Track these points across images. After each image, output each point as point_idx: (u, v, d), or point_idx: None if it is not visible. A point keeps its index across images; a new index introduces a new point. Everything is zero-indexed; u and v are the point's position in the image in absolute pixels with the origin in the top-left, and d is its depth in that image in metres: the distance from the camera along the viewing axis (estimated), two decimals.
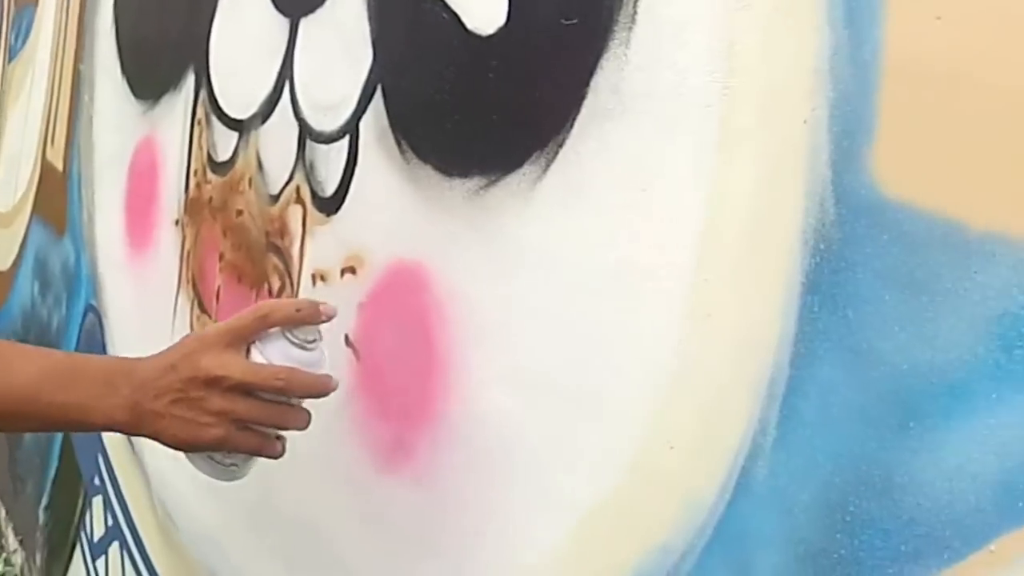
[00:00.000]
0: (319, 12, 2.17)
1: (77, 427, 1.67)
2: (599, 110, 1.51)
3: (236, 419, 1.58)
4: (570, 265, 1.54)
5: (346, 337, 2.00)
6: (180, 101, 2.91)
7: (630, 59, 1.46)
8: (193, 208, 2.75)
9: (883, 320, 1.16)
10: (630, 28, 1.46)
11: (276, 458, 1.67)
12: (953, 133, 1.12)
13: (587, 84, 1.52)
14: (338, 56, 2.09)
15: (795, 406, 1.25)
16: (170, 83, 2.98)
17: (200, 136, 2.73)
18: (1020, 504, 1.03)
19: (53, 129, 4.25)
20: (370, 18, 1.99)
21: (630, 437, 1.45)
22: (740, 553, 1.30)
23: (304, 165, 2.18)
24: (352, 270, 2.01)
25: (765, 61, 1.31)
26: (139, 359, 1.65)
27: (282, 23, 2.29)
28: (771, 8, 1.30)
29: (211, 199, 2.63)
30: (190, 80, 2.85)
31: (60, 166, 4.09)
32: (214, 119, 2.65)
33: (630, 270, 1.45)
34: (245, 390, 1.58)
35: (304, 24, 2.22)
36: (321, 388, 1.66)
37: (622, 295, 1.46)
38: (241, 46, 2.54)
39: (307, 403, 1.69)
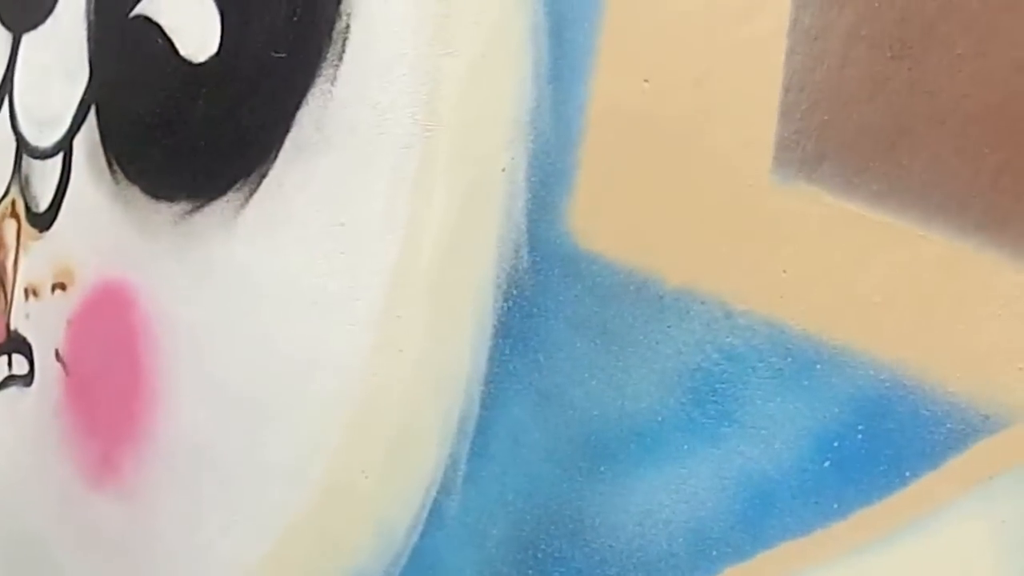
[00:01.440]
0: (41, 28, 2.04)
1: None
2: (303, 143, 1.42)
3: None
4: (269, 291, 1.47)
5: (56, 352, 1.87)
6: None
7: (335, 95, 1.38)
8: None
9: (574, 366, 1.11)
10: (337, 65, 1.38)
11: None
12: (652, 191, 1.07)
13: (292, 117, 1.43)
14: (56, 73, 1.96)
15: (486, 444, 1.19)
16: None
17: None
18: (712, 552, 1.00)
19: None
20: (89, 38, 1.87)
21: (323, 460, 1.39)
22: None
23: (20, 179, 2.04)
24: (63, 286, 1.89)
25: (466, 107, 1.23)
26: None
27: (5, 37, 2.15)
28: (476, 56, 1.23)
29: None
30: None
31: None
32: None
33: (325, 299, 1.39)
34: None
35: (26, 39, 2.09)
36: None
37: (317, 323, 1.39)
38: None
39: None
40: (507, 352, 1.17)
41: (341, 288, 1.36)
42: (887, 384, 0.95)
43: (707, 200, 1.03)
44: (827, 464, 0.98)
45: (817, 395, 0.98)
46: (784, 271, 0.99)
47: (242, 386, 1.51)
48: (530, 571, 1.14)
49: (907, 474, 0.94)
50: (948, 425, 0.92)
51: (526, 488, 1.15)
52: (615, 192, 1.10)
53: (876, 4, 0.96)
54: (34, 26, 2.06)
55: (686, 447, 1.03)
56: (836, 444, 0.98)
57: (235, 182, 1.52)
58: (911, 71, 0.95)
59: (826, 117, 0.98)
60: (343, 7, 1.38)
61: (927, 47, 0.94)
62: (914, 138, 0.94)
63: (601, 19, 1.13)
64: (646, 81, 1.08)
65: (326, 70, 1.39)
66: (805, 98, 0.99)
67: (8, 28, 2.15)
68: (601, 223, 1.11)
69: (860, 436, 0.97)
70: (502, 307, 1.18)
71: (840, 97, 0.97)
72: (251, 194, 1.49)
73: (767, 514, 0.99)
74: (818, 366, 0.98)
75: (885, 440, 0.95)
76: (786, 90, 1.00)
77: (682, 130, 1.06)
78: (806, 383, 0.99)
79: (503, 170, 1.18)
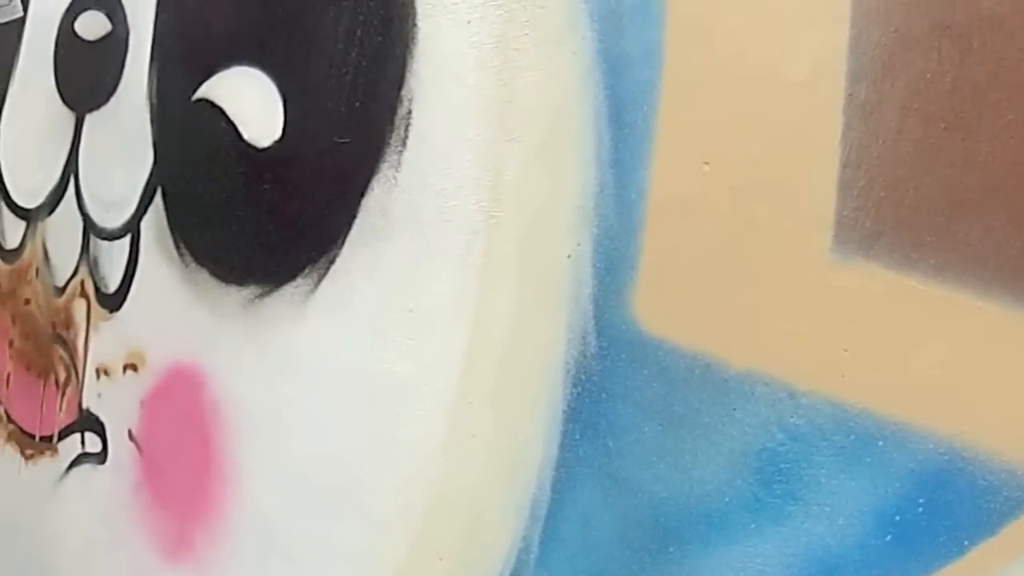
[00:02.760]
0: (104, 109, 2.07)
1: None
2: (369, 229, 1.45)
3: None
4: (339, 376, 1.49)
5: (129, 432, 1.90)
6: None
7: (399, 181, 1.41)
8: None
9: (642, 450, 1.13)
10: (400, 151, 1.40)
11: None
12: (714, 273, 1.09)
13: (358, 204, 1.46)
14: (121, 154, 1.99)
15: (557, 528, 1.21)
16: None
17: None
18: None
19: None
20: (152, 120, 1.90)
21: (397, 544, 1.40)
22: None
23: (88, 260, 2.07)
24: (134, 367, 1.91)
25: (531, 194, 1.26)
26: None
27: (68, 116, 2.18)
28: (538, 142, 1.25)
29: (1, 285, 2.50)
30: None
31: None
32: (3, 205, 2.52)
33: (395, 385, 1.41)
34: None
35: (89, 120, 2.12)
36: None
37: (388, 408, 1.41)
38: (29, 134, 2.41)
39: None
40: (577, 437, 1.19)
41: (411, 374, 1.38)
42: (946, 457, 0.97)
43: (768, 281, 1.05)
44: (889, 538, 1.00)
45: (879, 471, 1.00)
46: (845, 349, 1.01)
47: (313, 469, 1.52)
48: None
49: (965, 543, 0.97)
50: (1004, 493, 0.95)
51: (597, 571, 1.16)
52: (678, 276, 1.12)
53: (928, 75, 0.98)
54: (97, 106, 2.09)
55: (753, 526, 1.05)
56: (898, 518, 1.00)
57: (304, 267, 1.54)
58: (964, 141, 0.97)
59: (883, 193, 1.00)
60: (404, 92, 1.40)
61: (979, 116, 0.96)
62: (968, 209, 0.97)
63: (659, 102, 1.15)
64: (706, 163, 1.11)
65: (390, 156, 1.41)
66: (862, 174, 1.01)
67: (71, 108, 2.19)
68: (665, 307, 1.13)
69: (921, 509, 0.99)
70: (571, 392, 1.20)
71: (896, 172, 1.00)
72: (320, 279, 1.52)
73: None
74: (880, 442, 1.00)
75: (944, 511, 0.98)
76: (843, 167, 1.02)
77: (742, 211, 1.08)
78: (868, 460, 1.01)
79: (569, 256, 1.21)
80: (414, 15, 1.40)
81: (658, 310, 1.14)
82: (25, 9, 2.37)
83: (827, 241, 1.03)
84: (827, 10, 1.03)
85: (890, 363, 0.99)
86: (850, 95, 1.02)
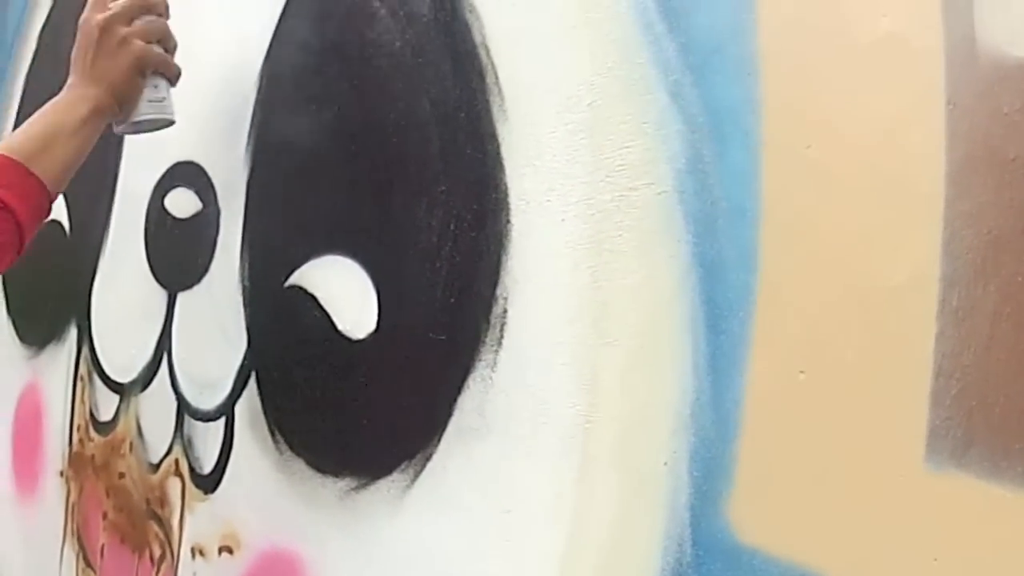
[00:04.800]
0: (196, 289, 2.10)
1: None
2: (465, 428, 1.46)
3: (140, 35, 1.78)
4: (436, 574, 1.50)
5: None
6: (63, 354, 2.80)
7: (495, 381, 1.42)
8: (77, 462, 2.64)
9: None
10: (496, 351, 1.42)
11: (177, 77, 1.86)
12: (808, 483, 1.10)
13: (454, 402, 1.47)
14: (214, 336, 2.02)
15: None
16: (54, 334, 2.86)
17: (83, 392, 2.63)
18: None
19: None
20: (244, 303, 1.92)
21: None
22: None
23: (183, 439, 2.10)
24: (229, 549, 1.93)
25: (627, 399, 1.27)
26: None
27: (160, 294, 2.22)
28: (635, 347, 1.27)
29: (94, 456, 2.53)
30: (72, 334, 2.75)
31: None
32: (96, 378, 2.55)
33: None
34: (132, 16, 1.79)
35: (182, 299, 2.15)
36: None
37: None
38: (121, 310, 2.45)
39: None
40: None
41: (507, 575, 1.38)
42: None
43: (863, 491, 1.05)
44: None
45: None
46: (935, 559, 1.01)
47: None
48: None
49: None
50: None
51: None
52: (773, 485, 1.13)
53: (1020, 278, 0.98)
54: (189, 285, 2.12)
55: None
56: None
57: (400, 463, 1.55)
58: None
59: (974, 402, 1.00)
60: (499, 291, 1.42)
61: None
62: None
63: (755, 308, 1.16)
64: (801, 372, 1.11)
65: (486, 355, 1.43)
66: (955, 383, 1.01)
67: (163, 285, 2.22)
68: (761, 516, 1.13)
69: None
70: None
71: (987, 380, 0.99)
72: (416, 476, 1.53)
73: None
74: None
75: None
76: (936, 375, 1.02)
77: (837, 421, 1.08)
78: None
79: (665, 463, 1.21)
80: (507, 211, 1.42)
81: (754, 519, 1.14)
82: (114, 184, 2.42)
83: (920, 450, 1.02)
84: (922, 212, 1.04)
85: (980, 572, 0.99)
86: (943, 300, 1.03)
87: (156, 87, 1.81)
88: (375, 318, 1.62)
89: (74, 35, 1.78)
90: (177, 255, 2.17)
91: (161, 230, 2.23)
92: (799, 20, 1.15)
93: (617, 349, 1.28)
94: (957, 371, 1.01)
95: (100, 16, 1.77)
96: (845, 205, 1.09)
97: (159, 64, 1.82)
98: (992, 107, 1.00)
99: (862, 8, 1.10)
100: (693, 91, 1.24)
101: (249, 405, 1.91)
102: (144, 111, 1.81)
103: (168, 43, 1.85)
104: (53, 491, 2.78)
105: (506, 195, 1.43)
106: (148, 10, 1.82)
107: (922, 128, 1.04)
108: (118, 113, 1.79)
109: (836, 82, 1.11)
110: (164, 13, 1.86)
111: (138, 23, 1.79)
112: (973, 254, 1.01)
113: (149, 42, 1.80)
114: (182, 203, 2.15)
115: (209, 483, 2.02)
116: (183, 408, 2.11)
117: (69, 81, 1.77)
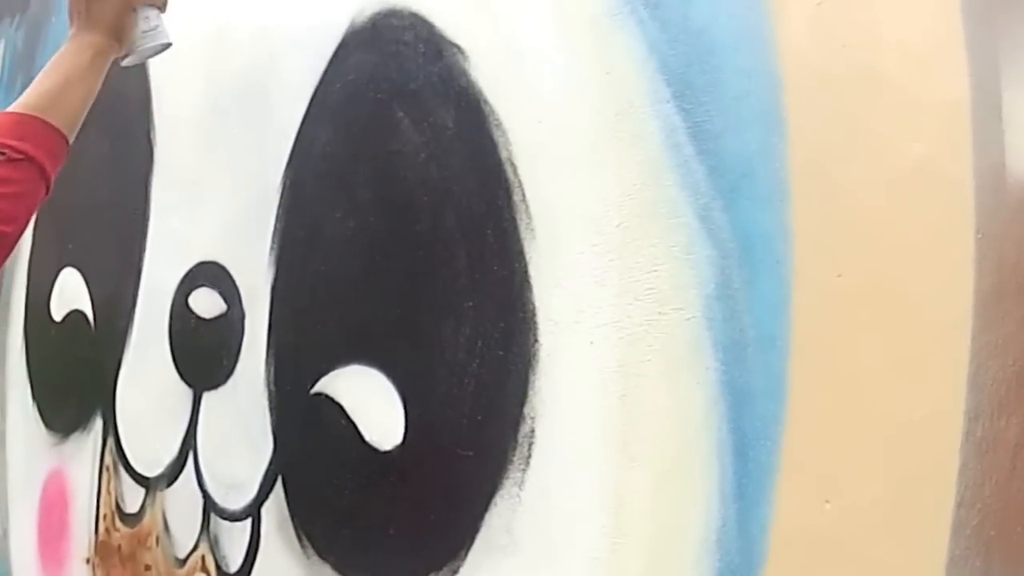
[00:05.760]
0: (221, 390, 2.10)
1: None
2: (492, 544, 1.47)
3: None
4: None
5: None
6: (89, 443, 2.81)
7: (523, 500, 1.43)
8: (103, 551, 2.64)
9: None
10: (524, 469, 1.42)
11: (165, 4, 1.92)
12: None
13: (482, 518, 1.48)
14: (239, 438, 2.02)
15: None
16: (79, 423, 2.86)
17: (109, 483, 2.63)
18: None
19: None
20: (270, 408, 1.92)
21: None
22: None
23: (209, 537, 2.10)
24: None
25: (654, 523, 1.28)
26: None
27: (186, 392, 2.22)
28: (662, 471, 1.27)
29: (120, 547, 2.52)
30: (98, 424, 2.75)
31: None
32: (121, 469, 2.55)
33: None
34: None
35: (207, 398, 2.15)
36: None
37: None
38: (146, 404, 2.45)
39: None
40: None
41: None
42: None
43: None
44: None
45: None
46: None
47: None
48: None
49: None
50: None
51: None
52: None
53: None
54: (215, 386, 2.12)
55: None
56: None
57: (427, 573, 1.56)
58: None
59: (993, 532, 1.02)
60: (527, 410, 1.42)
61: None
62: None
63: (782, 437, 1.16)
64: (827, 502, 1.12)
65: (513, 473, 1.43)
66: (976, 513, 1.03)
67: (188, 384, 2.23)
68: None
69: None
70: None
71: (1007, 510, 1.01)
72: None
73: None
74: None
75: None
76: (958, 506, 1.03)
77: (861, 551, 1.09)
78: None
79: None
80: (535, 330, 1.43)
81: None
82: (138, 278, 2.42)
83: None
84: (950, 343, 1.04)
85: None
86: (967, 432, 1.03)
87: (147, 18, 1.90)
88: (402, 430, 1.63)
89: None
90: (202, 355, 2.17)
91: (186, 328, 2.23)
92: (830, 144, 1.15)
93: (644, 473, 1.29)
94: (978, 502, 1.02)
95: None
96: (874, 335, 1.10)
97: None
98: (1020, 236, 1.01)
99: (894, 133, 1.11)
100: (723, 216, 1.24)
101: (276, 508, 1.91)
102: (140, 42, 1.91)
103: None
104: None
105: (534, 314, 1.43)
106: None
107: (951, 257, 1.06)
108: (119, 50, 1.89)
109: (867, 208, 1.12)
110: None
111: None
112: (997, 386, 1.02)
113: None
114: (206, 303, 2.16)
115: None
116: (209, 506, 2.11)
117: (70, 32, 1.86)
